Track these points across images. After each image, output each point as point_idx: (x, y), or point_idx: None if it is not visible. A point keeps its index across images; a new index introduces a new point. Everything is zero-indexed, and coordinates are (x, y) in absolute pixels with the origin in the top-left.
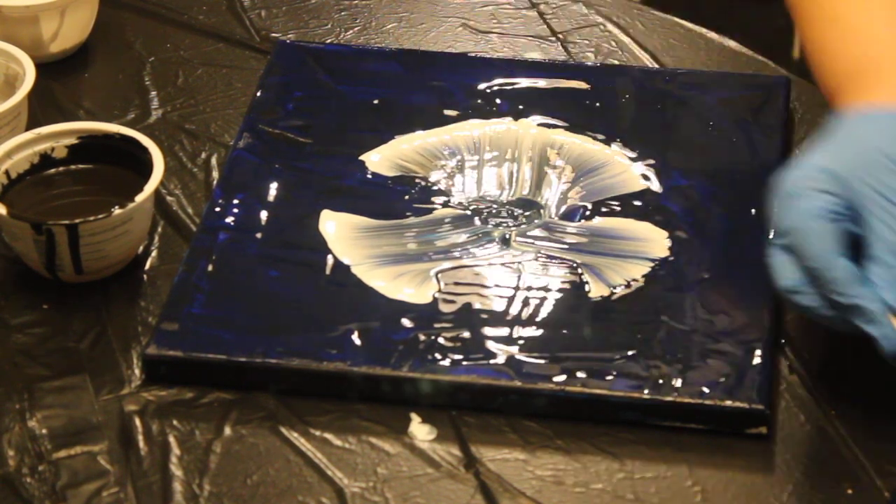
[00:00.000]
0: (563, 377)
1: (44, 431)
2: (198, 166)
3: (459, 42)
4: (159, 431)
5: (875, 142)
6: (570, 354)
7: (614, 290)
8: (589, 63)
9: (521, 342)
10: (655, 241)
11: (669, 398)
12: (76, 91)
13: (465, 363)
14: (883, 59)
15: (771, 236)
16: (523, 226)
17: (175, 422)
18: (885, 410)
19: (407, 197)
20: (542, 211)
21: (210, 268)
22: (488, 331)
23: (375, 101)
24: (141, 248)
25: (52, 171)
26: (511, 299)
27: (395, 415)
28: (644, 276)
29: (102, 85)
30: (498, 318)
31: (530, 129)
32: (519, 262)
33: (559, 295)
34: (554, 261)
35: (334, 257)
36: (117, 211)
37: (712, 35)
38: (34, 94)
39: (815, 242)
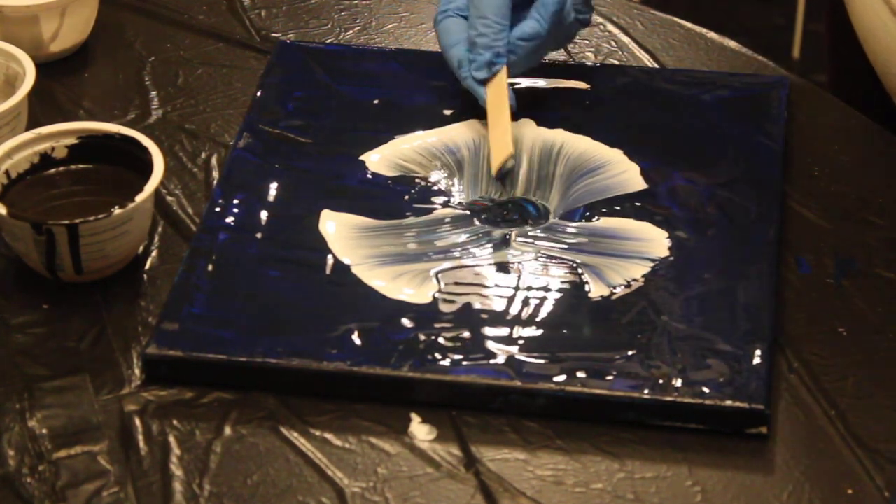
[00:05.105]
0: (563, 377)
1: (44, 431)
2: (198, 166)
3: None
4: (159, 431)
5: None
6: (570, 354)
7: (614, 290)
8: (589, 63)
9: (521, 342)
10: (655, 241)
11: (669, 398)
12: (76, 91)
13: (465, 363)
14: None
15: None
16: (523, 226)
17: (175, 422)
18: (885, 410)
19: (407, 197)
20: (542, 211)
21: (210, 268)
22: (488, 331)
23: (375, 101)
24: (141, 248)
25: (52, 171)
26: (511, 299)
27: (395, 415)
28: (644, 276)
29: (102, 85)
30: (498, 318)
31: (530, 129)
32: (519, 262)
33: (559, 295)
34: (554, 261)
35: (334, 257)
36: (117, 211)
37: (712, 35)
38: (34, 94)
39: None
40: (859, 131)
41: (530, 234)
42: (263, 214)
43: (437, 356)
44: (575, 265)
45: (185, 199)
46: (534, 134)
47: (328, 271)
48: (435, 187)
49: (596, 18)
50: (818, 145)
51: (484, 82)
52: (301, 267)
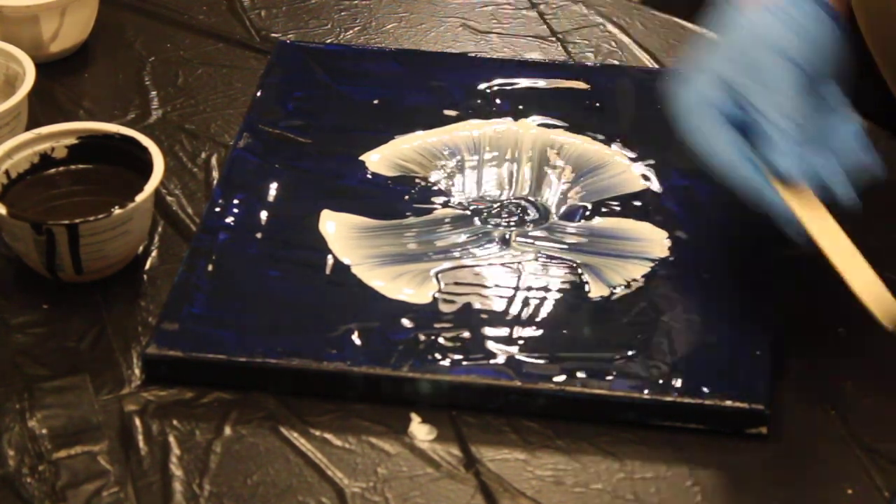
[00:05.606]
0: (563, 377)
1: (44, 431)
2: (198, 166)
3: (459, 42)
4: (159, 431)
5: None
6: (570, 354)
7: (614, 290)
8: (589, 63)
9: (521, 342)
10: (655, 241)
11: (669, 398)
12: (76, 91)
13: (465, 363)
14: None
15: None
16: (523, 226)
17: (175, 422)
18: (886, 410)
19: (407, 197)
20: (542, 211)
21: (210, 268)
22: (488, 331)
23: (375, 101)
24: (141, 248)
25: (52, 171)
26: (511, 299)
27: (395, 415)
28: (644, 276)
29: (102, 85)
30: (498, 318)
31: (530, 129)
32: (519, 262)
33: (559, 295)
34: (554, 261)
35: (334, 257)
36: (117, 211)
37: (712, 35)
38: (34, 94)
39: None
40: None
41: (530, 234)
42: (263, 214)
43: (437, 356)
44: (575, 265)
45: (185, 199)
46: (534, 134)
47: (328, 271)
48: (435, 187)
49: (596, 18)
50: None
51: (785, 182)
52: (301, 267)
